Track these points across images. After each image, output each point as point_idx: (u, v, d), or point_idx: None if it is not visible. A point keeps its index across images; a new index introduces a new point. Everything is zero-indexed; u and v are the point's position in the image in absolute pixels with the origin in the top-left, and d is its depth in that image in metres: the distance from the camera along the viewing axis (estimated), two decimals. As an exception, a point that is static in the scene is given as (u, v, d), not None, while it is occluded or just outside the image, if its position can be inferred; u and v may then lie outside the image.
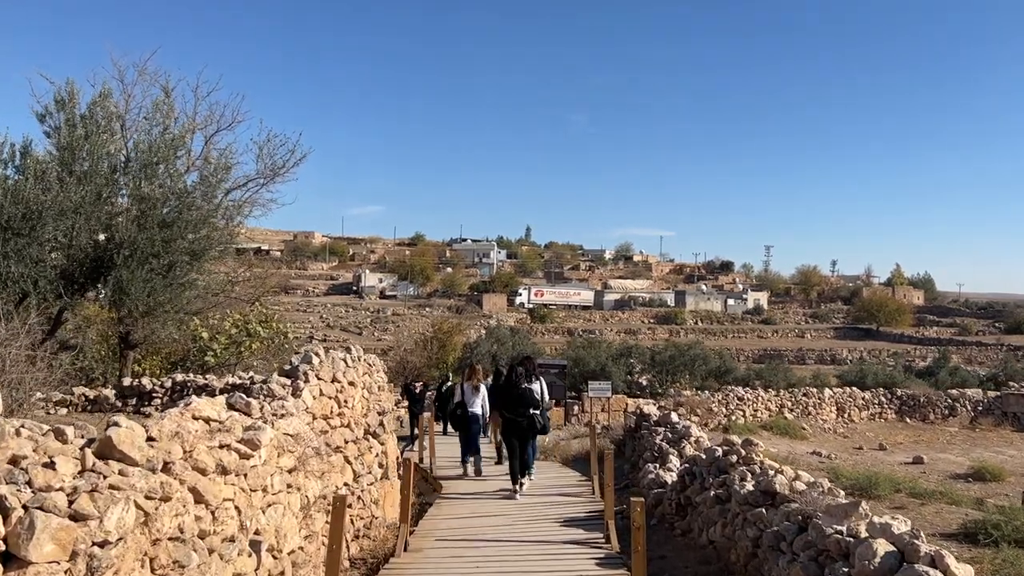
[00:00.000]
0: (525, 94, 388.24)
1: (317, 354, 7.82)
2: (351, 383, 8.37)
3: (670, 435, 11.05)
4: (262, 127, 16.40)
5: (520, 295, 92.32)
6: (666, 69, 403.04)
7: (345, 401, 8.17)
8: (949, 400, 24.65)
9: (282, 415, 6.28)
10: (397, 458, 10.09)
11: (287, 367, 7.58)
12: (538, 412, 10.12)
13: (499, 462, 12.53)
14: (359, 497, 8.03)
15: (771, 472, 7.09)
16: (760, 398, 22.35)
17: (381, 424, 8.92)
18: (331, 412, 7.78)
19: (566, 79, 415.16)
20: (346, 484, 7.74)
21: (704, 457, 8.14)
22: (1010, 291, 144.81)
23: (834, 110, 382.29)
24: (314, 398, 7.37)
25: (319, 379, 7.60)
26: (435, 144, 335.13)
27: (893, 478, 12.63)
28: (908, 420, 24.28)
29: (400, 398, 33.28)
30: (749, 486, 6.74)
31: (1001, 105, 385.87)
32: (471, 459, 11.81)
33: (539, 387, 10.63)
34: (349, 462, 7.93)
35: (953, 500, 11.90)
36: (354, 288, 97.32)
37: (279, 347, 20.46)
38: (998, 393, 25.18)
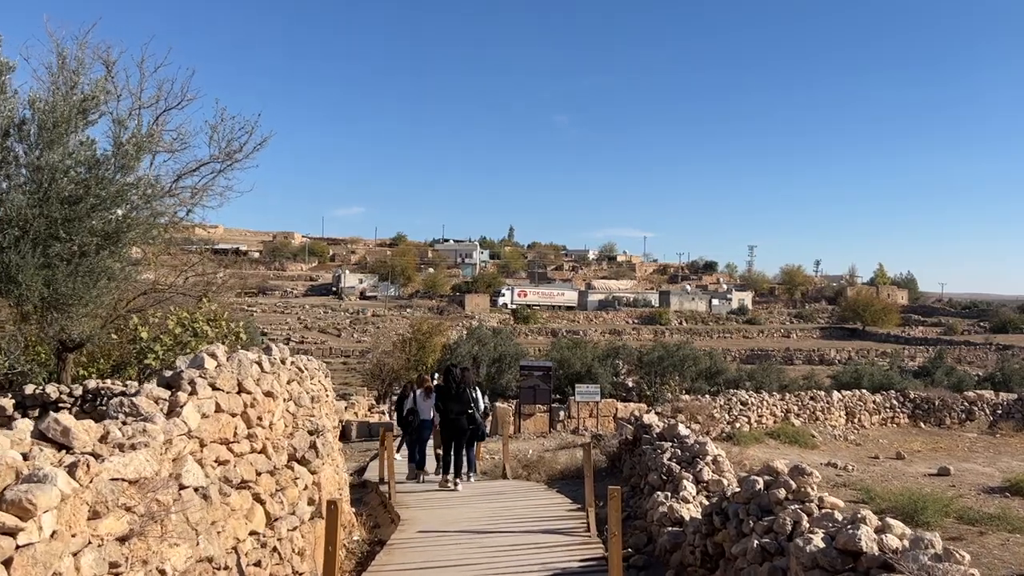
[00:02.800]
0: (509, 95, 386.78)
1: (214, 355, 5.73)
2: (268, 394, 6.28)
3: (680, 452, 9.03)
4: (217, 107, 14.24)
5: (503, 295, 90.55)
6: (650, 71, 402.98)
7: (258, 418, 6.08)
8: (966, 403, 22.84)
9: (133, 446, 4.19)
10: (340, 489, 7.98)
11: (168, 373, 5.48)
12: (475, 412, 11.00)
13: (437, 471, 12.35)
14: (275, 549, 5.93)
15: (840, 516, 5.08)
16: (764, 403, 20.39)
17: (313, 447, 6.83)
18: (234, 434, 5.68)
19: (551, 81, 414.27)
20: (253, 533, 5.65)
21: (739, 490, 6.11)
22: (991, 291, 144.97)
23: (817, 111, 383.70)
24: (204, 416, 5.27)
25: (215, 389, 5.50)
26: (418, 145, 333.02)
27: (938, 498, 10.71)
28: (922, 425, 22.45)
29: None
30: (818, 541, 4.72)
31: (985, 107, 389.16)
32: (421, 468, 12.18)
33: (476, 394, 11.42)
34: (260, 501, 5.84)
35: (1014, 526, 9.98)
36: (333, 289, 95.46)
37: (230, 348, 18.20)
38: (1017, 396, 23.48)
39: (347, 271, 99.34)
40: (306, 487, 6.67)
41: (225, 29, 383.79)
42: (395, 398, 21.37)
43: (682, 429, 9.97)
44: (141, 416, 4.81)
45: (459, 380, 11.01)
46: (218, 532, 5.06)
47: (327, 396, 8.50)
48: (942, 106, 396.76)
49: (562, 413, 22.18)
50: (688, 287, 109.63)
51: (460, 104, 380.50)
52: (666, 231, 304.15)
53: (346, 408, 28.56)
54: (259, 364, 6.29)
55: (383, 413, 32.55)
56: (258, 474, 5.98)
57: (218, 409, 5.52)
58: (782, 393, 21.90)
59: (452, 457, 10.99)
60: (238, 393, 5.88)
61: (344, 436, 22.56)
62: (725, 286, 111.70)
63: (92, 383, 12.32)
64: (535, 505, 9.35)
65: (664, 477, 8.54)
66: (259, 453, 6.08)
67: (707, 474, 8.18)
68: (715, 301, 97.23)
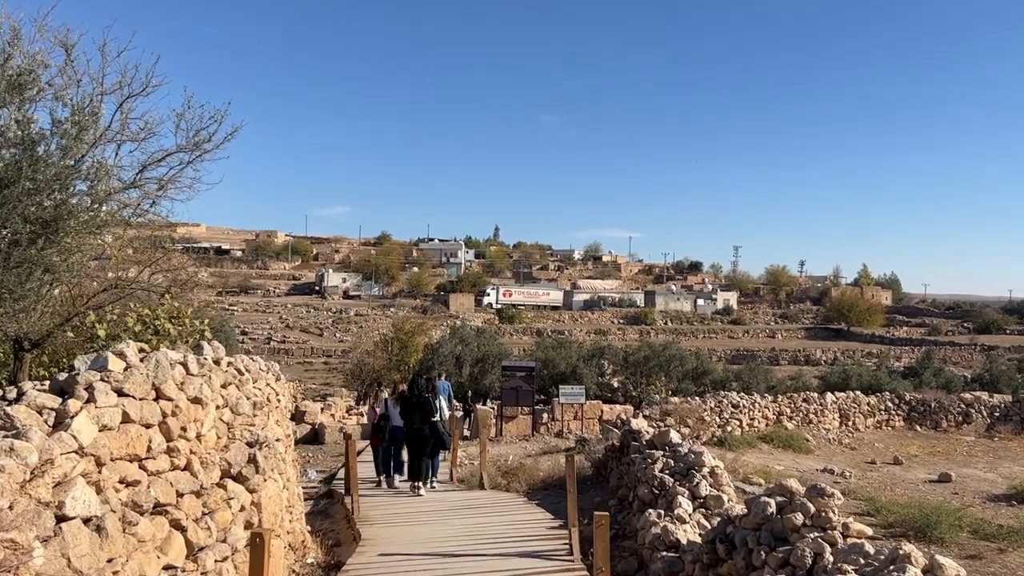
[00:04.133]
0: (495, 95, 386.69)
1: (122, 355, 4.79)
2: (196, 400, 5.34)
3: (672, 463, 8.14)
4: (185, 94, 13.28)
5: (488, 295, 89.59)
6: (637, 73, 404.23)
7: (182, 429, 5.15)
8: (962, 406, 22.10)
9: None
10: (290, 507, 7.02)
11: (62, 376, 4.54)
12: (439, 421, 11.18)
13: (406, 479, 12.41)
14: (197, 586, 4.99)
15: (871, 549, 4.21)
16: (756, 405, 19.57)
17: (253, 461, 5.89)
18: (148, 449, 4.74)
19: (537, 81, 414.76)
20: (168, 568, 4.71)
21: (747, 513, 5.24)
22: (973, 292, 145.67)
23: (802, 111, 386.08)
24: (105, 428, 4.34)
25: (122, 395, 4.57)
26: (404, 144, 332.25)
27: (950, 511, 9.90)
28: (918, 428, 21.72)
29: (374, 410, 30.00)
30: (851, 584, 3.84)
31: (968, 108, 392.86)
32: (391, 474, 12.11)
33: (438, 402, 11.69)
34: (181, 528, 4.90)
35: (1035, 542, 9.18)
36: (316, 288, 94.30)
37: (194, 347, 17.14)
38: (1014, 398, 22.78)
39: (330, 270, 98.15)
40: (242, 508, 5.73)
41: (200, 20, 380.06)
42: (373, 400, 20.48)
43: (674, 436, 9.09)
44: (12, 430, 3.88)
45: (422, 390, 11.30)
46: (115, 572, 4.13)
47: (278, 401, 7.57)
48: (925, 107, 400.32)
49: (545, 415, 21.32)
50: (673, 287, 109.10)
51: (447, 104, 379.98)
52: (651, 231, 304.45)
53: (322, 410, 27.53)
54: (184, 365, 5.35)
55: (362, 415, 31.51)
56: (180, 496, 5.04)
57: (126, 419, 4.59)
58: (774, 395, 21.09)
59: (417, 464, 11.18)
60: (155, 400, 4.95)
61: (317, 439, 21.59)
62: (710, 286, 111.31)
63: (28, 385, 11.26)
64: (513, 522, 8.43)
65: (656, 491, 7.65)
66: (182, 471, 5.15)
67: (704, 488, 7.31)
68: (700, 301, 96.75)
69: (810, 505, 4.89)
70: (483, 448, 12.12)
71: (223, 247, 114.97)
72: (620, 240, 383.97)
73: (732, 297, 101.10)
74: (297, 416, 22.84)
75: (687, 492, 7.27)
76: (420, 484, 11.10)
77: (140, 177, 13.58)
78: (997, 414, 21.99)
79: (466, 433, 21.44)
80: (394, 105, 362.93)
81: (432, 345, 42.99)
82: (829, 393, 21.43)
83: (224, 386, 5.96)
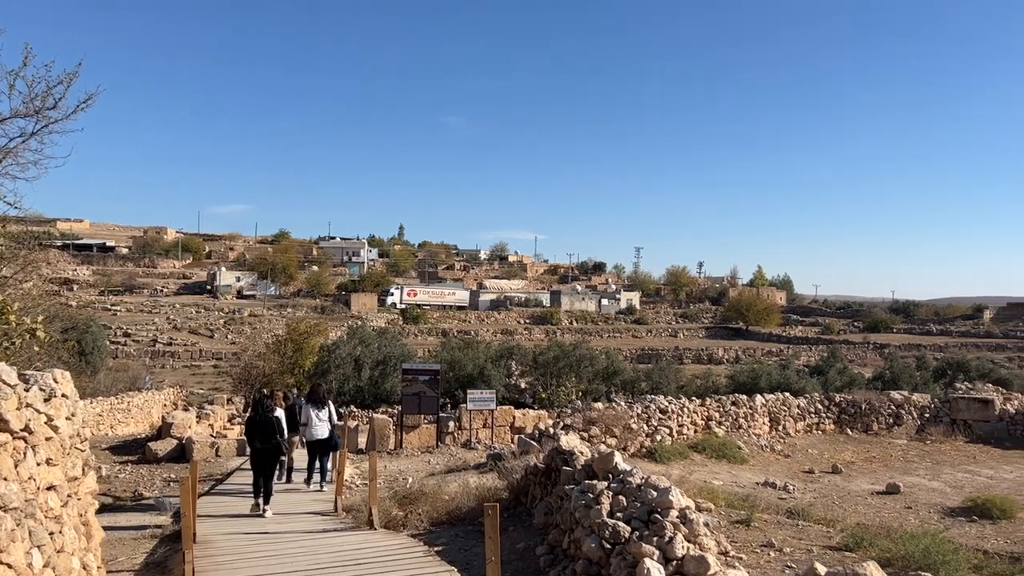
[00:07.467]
0: (395, 95, 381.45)
1: None
2: None
3: (624, 501, 6.00)
4: (26, 50, 10.79)
5: (392, 295, 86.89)
6: (539, 74, 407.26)
7: None
8: (893, 407, 21.06)
9: None
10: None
11: None
12: (283, 440, 11.31)
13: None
14: None
15: None
16: (685, 410, 17.76)
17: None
18: None
19: (439, 82, 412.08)
20: None
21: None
22: (859, 293, 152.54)
23: (698, 113, 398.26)
24: None
25: None
26: (302, 144, 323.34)
27: (942, 543, 8.18)
28: (849, 431, 20.51)
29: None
30: None
31: (854, 117, 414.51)
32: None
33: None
34: None
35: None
36: (208, 287, 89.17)
37: (21, 349, 13.83)
38: (945, 398, 21.98)
39: (223, 268, 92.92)
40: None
41: (98, 20, 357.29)
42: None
43: (620, 461, 6.95)
44: None
45: (267, 409, 11.13)
46: None
47: (52, 431, 4.95)
48: (812, 109, 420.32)
49: (452, 423, 19.00)
50: (578, 287, 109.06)
51: (348, 104, 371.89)
52: (556, 233, 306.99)
53: (198, 420, 24.24)
54: None
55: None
56: None
57: None
58: (702, 399, 19.42)
59: (261, 485, 10.96)
60: None
61: (184, 456, 18.63)
62: (613, 286, 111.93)
63: None
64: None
65: (608, 545, 5.48)
66: None
67: (679, 546, 5.16)
68: (604, 301, 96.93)
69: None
70: (373, 476, 9.63)
71: (108, 244, 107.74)
72: (526, 241, 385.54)
73: (635, 297, 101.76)
74: (164, 429, 19.73)
75: (657, 552, 5.12)
76: (266, 506, 10.80)
77: None
78: (927, 415, 21.07)
79: (360, 446, 18.98)
80: (293, 103, 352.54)
81: (328, 347, 40.01)
82: (759, 396, 19.99)
83: None
